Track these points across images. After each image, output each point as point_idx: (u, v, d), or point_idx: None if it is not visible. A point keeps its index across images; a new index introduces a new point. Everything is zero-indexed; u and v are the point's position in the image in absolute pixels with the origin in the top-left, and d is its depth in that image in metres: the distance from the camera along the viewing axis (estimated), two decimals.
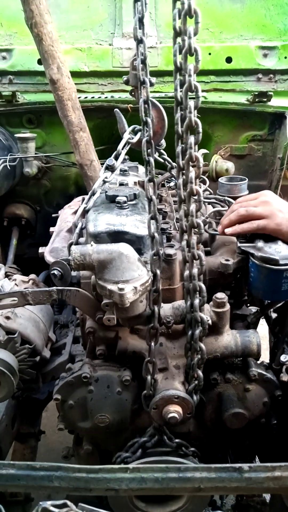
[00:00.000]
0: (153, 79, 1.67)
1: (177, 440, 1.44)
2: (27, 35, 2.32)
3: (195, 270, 1.31)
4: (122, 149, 1.65)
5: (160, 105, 1.71)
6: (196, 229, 1.28)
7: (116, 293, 1.24)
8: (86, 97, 2.56)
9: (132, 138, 1.67)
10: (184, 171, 1.32)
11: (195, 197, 1.26)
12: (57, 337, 1.76)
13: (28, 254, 2.82)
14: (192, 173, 1.25)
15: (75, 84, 2.26)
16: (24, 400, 2.08)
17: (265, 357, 1.73)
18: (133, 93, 1.75)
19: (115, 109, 1.82)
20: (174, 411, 1.34)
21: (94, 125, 2.58)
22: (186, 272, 1.34)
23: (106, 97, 2.58)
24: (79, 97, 2.29)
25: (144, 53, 1.36)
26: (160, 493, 1.24)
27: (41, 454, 2.34)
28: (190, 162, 1.25)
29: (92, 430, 1.49)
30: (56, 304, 1.93)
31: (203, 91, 2.55)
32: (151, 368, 1.37)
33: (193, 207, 1.26)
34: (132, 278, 1.28)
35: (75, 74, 2.36)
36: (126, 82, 1.69)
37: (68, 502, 1.05)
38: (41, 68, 2.34)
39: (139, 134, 1.71)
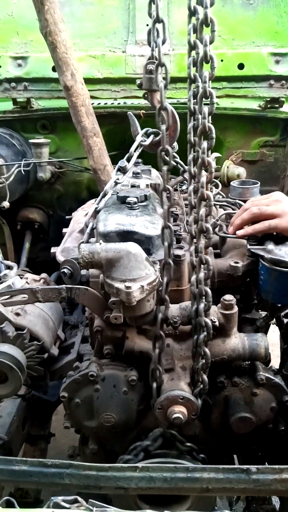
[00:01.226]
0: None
1: (188, 444, 1.43)
2: (42, 43, 2.36)
3: (201, 275, 1.31)
4: (135, 151, 1.67)
5: (172, 108, 1.72)
6: (205, 234, 1.29)
7: (123, 291, 1.25)
8: (99, 103, 2.59)
9: (145, 141, 1.69)
10: (195, 178, 1.33)
11: (206, 202, 1.27)
12: (67, 337, 1.77)
13: (41, 257, 2.84)
14: (204, 177, 1.25)
15: (89, 90, 2.30)
16: (34, 402, 2.10)
17: (275, 364, 1.72)
18: (146, 96, 1.77)
19: (129, 113, 1.84)
20: (179, 411, 1.34)
21: (107, 130, 2.61)
22: (193, 277, 1.34)
23: (119, 103, 2.61)
24: (92, 103, 2.32)
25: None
26: (168, 492, 1.24)
27: (51, 457, 2.34)
28: (202, 167, 1.26)
29: (98, 430, 1.49)
30: (67, 305, 1.95)
31: (216, 97, 2.56)
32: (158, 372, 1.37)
33: (202, 211, 1.27)
34: (140, 277, 1.29)
35: (88, 81, 2.40)
36: (140, 86, 1.71)
37: (79, 498, 1.08)
38: (55, 75, 2.38)
39: (151, 137, 1.73)
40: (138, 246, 1.32)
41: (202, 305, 1.33)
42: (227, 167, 2.63)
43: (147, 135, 1.74)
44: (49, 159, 2.66)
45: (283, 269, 1.44)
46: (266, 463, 1.81)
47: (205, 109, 1.22)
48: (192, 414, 1.37)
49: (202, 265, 1.32)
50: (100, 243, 1.31)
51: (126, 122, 2.11)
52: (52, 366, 1.61)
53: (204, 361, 1.37)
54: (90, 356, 1.58)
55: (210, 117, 1.24)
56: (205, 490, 1.20)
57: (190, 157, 1.46)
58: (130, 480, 1.19)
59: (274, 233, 1.57)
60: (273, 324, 2.18)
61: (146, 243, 1.41)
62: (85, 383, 1.45)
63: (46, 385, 1.59)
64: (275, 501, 1.92)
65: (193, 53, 1.45)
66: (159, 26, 1.35)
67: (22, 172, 2.53)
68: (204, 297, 1.33)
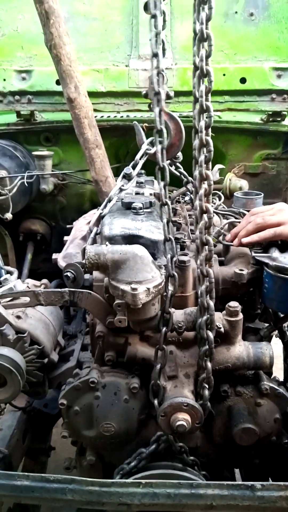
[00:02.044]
0: (171, 93, 1.71)
1: (191, 458, 1.40)
2: (45, 57, 2.40)
3: (203, 287, 1.30)
4: (140, 159, 1.67)
5: (178, 118, 1.74)
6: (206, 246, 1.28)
7: (129, 293, 1.23)
8: (102, 116, 2.62)
9: (150, 150, 1.69)
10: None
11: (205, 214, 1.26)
12: (65, 346, 1.74)
13: (43, 269, 2.84)
14: (202, 190, 1.25)
15: (92, 104, 2.32)
16: (35, 415, 2.06)
17: (279, 377, 1.68)
18: (151, 107, 1.77)
19: (134, 122, 1.85)
20: (183, 419, 1.30)
21: (110, 143, 2.63)
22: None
23: (122, 117, 2.64)
24: (95, 116, 2.34)
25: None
26: (172, 509, 1.21)
27: (51, 471, 2.30)
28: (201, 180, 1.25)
29: (97, 439, 1.45)
30: (65, 315, 1.92)
31: (218, 110, 2.59)
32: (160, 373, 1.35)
33: (202, 223, 1.26)
34: (146, 279, 1.27)
35: (92, 94, 2.43)
36: (145, 96, 1.72)
37: None
38: (59, 88, 2.41)
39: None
40: (144, 248, 1.31)
41: (204, 318, 1.31)
42: (230, 180, 2.64)
43: (152, 144, 1.74)
44: (52, 171, 2.68)
45: (287, 276, 1.43)
46: (270, 478, 1.77)
47: (202, 123, 1.22)
48: (196, 422, 1.33)
49: (204, 277, 1.30)
50: (106, 245, 1.30)
51: (129, 135, 2.13)
52: (51, 373, 1.58)
53: (205, 375, 1.35)
54: (90, 364, 1.55)
55: (209, 130, 1.23)
56: (209, 507, 1.18)
57: (196, 173, 1.47)
58: (133, 496, 1.16)
59: (279, 242, 1.56)
60: (275, 337, 2.16)
61: (151, 247, 1.40)
62: (85, 390, 1.42)
63: (44, 392, 1.56)
64: None
65: (206, 81, 1.47)
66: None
67: (25, 184, 2.54)
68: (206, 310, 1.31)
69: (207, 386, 1.36)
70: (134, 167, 1.66)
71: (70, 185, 2.81)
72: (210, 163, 1.27)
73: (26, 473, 1.20)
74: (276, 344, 2.15)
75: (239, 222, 1.68)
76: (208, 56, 1.21)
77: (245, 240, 1.54)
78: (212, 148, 1.24)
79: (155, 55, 1.25)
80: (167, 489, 1.17)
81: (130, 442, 1.48)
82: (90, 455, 1.52)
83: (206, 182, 1.25)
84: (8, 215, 2.52)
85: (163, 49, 1.60)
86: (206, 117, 1.23)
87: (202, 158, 1.24)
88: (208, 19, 1.18)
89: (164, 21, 1.49)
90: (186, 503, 1.17)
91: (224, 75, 2.57)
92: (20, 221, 2.87)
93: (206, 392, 1.36)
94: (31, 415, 2.07)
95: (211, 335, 1.32)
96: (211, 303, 1.31)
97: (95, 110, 2.44)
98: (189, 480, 1.31)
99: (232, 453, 1.51)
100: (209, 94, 1.23)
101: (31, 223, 2.90)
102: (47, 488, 1.17)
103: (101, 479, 1.19)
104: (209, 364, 1.33)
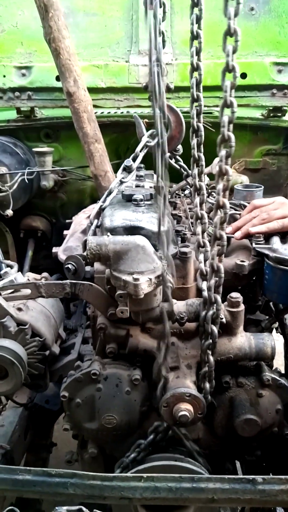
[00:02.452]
0: (171, 85, 1.71)
1: (196, 448, 1.40)
2: (45, 53, 2.40)
3: (212, 282, 1.29)
4: (140, 151, 1.67)
5: (178, 110, 1.73)
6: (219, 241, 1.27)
7: (131, 283, 1.23)
8: (102, 112, 2.61)
9: (150, 142, 1.69)
10: (199, 192, 1.41)
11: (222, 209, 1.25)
12: (66, 340, 1.74)
13: (44, 265, 2.83)
14: (220, 185, 1.24)
15: (92, 99, 2.31)
16: (36, 412, 2.06)
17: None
18: (151, 99, 1.77)
19: (134, 115, 1.85)
20: (185, 409, 1.30)
21: (110, 139, 2.63)
22: (204, 284, 1.33)
23: (122, 112, 2.63)
24: (95, 112, 2.34)
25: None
26: (173, 503, 1.21)
27: (52, 467, 2.27)
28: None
29: (99, 432, 1.45)
30: (65, 310, 1.92)
31: (218, 106, 2.58)
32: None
33: (218, 218, 1.25)
34: (147, 269, 1.27)
35: (92, 90, 2.43)
36: (145, 88, 1.72)
37: (83, 508, 1.08)
38: (58, 84, 2.41)
39: (157, 138, 1.73)
40: (146, 239, 1.31)
41: (210, 312, 1.31)
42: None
43: (152, 136, 1.74)
44: (53, 167, 2.67)
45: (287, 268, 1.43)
46: (271, 473, 1.77)
47: (225, 118, 1.20)
48: (198, 412, 1.33)
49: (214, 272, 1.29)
50: (108, 235, 1.30)
51: (129, 131, 2.12)
52: (53, 366, 1.58)
53: (207, 368, 1.34)
54: (91, 357, 1.55)
55: (231, 125, 1.21)
56: (211, 500, 1.17)
57: (195, 171, 1.48)
58: (134, 490, 1.16)
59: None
60: (276, 332, 2.15)
61: (153, 238, 1.39)
62: (87, 382, 1.42)
63: (46, 385, 1.56)
64: None
65: (196, 74, 1.48)
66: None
67: (26, 180, 2.54)
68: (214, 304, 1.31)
69: (208, 379, 1.36)
70: (134, 160, 1.65)
71: (71, 181, 2.81)
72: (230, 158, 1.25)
73: (27, 468, 1.20)
74: (277, 340, 2.15)
75: (239, 215, 1.68)
76: (234, 51, 1.19)
77: (253, 229, 1.55)
78: (233, 144, 1.22)
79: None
80: (169, 483, 1.16)
81: (132, 434, 1.48)
82: (91, 448, 1.52)
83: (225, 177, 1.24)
84: (9, 212, 2.51)
85: (163, 41, 1.61)
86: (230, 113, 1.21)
87: (223, 153, 1.22)
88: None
89: (164, 12, 1.50)
90: (187, 496, 1.17)
91: None
92: (21, 217, 2.86)
93: (207, 386, 1.36)
94: (33, 411, 2.07)
95: (215, 329, 1.32)
96: (219, 298, 1.30)
97: (95, 106, 2.44)
98: (190, 471, 1.31)
99: (234, 444, 1.51)
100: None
101: (31, 220, 2.90)
102: (49, 482, 1.17)
103: (102, 473, 1.19)
104: (211, 358, 1.33)
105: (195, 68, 1.47)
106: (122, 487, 1.16)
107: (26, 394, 2.09)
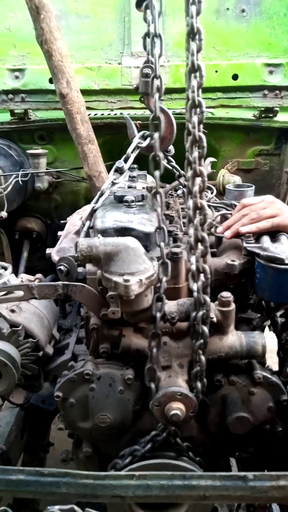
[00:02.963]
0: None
1: (186, 444, 1.41)
2: (38, 56, 2.42)
3: (199, 283, 1.31)
4: (132, 152, 1.69)
5: (168, 111, 1.75)
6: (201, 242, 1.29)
7: (121, 285, 1.24)
8: (96, 114, 2.63)
9: (142, 143, 1.71)
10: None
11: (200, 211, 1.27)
12: (61, 340, 1.75)
13: (39, 266, 2.84)
14: (196, 187, 1.25)
15: (85, 101, 2.34)
16: (33, 412, 2.07)
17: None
18: (142, 100, 1.79)
19: (125, 115, 1.87)
20: (177, 408, 1.31)
21: (104, 141, 2.65)
22: (194, 285, 1.33)
23: (115, 114, 2.65)
24: (89, 114, 2.35)
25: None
26: (165, 500, 1.23)
27: (50, 466, 2.29)
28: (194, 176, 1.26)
29: (93, 431, 1.46)
30: (61, 310, 1.94)
31: (210, 107, 2.61)
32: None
33: (197, 220, 1.27)
34: (138, 271, 1.28)
35: (85, 92, 2.44)
36: (136, 89, 1.74)
37: (75, 507, 1.09)
38: (52, 86, 2.42)
39: (148, 139, 1.75)
40: (136, 240, 1.33)
41: (200, 313, 1.32)
42: (223, 176, 2.66)
43: (144, 137, 1.75)
44: (47, 169, 2.69)
45: (278, 266, 1.44)
46: (266, 470, 1.79)
47: (195, 118, 1.22)
48: (190, 411, 1.34)
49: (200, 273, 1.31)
50: (99, 237, 1.32)
51: (123, 133, 2.14)
52: (47, 366, 1.59)
53: (198, 368, 1.36)
54: (85, 357, 1.56)
55: (201, 126, 1.23)
56: (202, 497, 1.19)
57: (189, 173, 1.49)
58: (127, 488, 1.17)
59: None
60: (269, 330, 2.17)
61: (144, 239, 1.41)
62: (80, 382, 1.43)
63: (40, 385, 1.57)
64: (276, 509, 1.88)
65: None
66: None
67: (20, 182, 2.56)
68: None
69: (199, 379, 1.38)
70: (126, 161, 1.67)
71: (65, 183, 2.83)
72: (203, 159, 1.28)
73: (20, 468, 1.21)
74: (272, 338, 2.17)
75: (231, 214, 1.70)
76: (199, 50, 1.21)
77: (243, 229, 1.56)
78: (205, 145, 1.24)
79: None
80: (161, 480, 1.17)
81: (125, 433, 1.49)
82: (86, 447, 1.53)
83: (200, 178, 1.26)
84: (3, 214, 2.53)
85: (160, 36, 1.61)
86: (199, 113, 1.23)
87: (195, 154, 1.24)
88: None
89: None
90: (179, 494, 1.18)
91: (216, 71, 2.58)
92: (16, 219, 2.88)
93: (199, 385, 1.38)
94: (29, 411, 2.08)
95: (206, 329, 1.33)
96: (208, 298, 1.31)
97: (88, 108, 2.46)
98: (183, 469, 1.33)
99: (227, 442, 1.53)
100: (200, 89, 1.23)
101: (26, 221, 2.92)
102: (42, 482, 1.17)
103: (95, 472, 1.20)
104: (203, 358, 1.35)
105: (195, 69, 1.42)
106: (114, 485, 1.17)
107: (22, 394, 2.10)
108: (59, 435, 2.14)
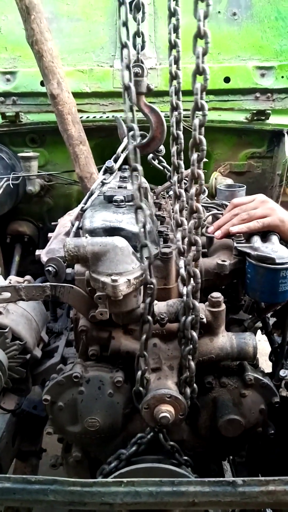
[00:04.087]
0: (152, 85, 1.71)
1: (171, 443, 1.38)
2: (30, 59, 2.40)
3: (189, 288, 1.29)
4: (122, 152, 1.67)
5: (159, 110, 1.74)
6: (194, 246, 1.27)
7: (109, 285, 1.22)
8: (87, 117, 2.61)
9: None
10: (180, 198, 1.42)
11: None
12: (51, 343, 1.73)
13: (31, 270, 2.81)
14: (193, 189, 1.24)
15: (77, 104, 2.32)
16: (25, 417, 2.04)
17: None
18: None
19: (115, 116, 1.85)
20: (166, 410, 1.30)
21: (96, 144, 2.63)
22: (183, 289, 1.32)
23: (108, 117, 2.64)
24: (80, 117, 2.34)
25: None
26: (154, 507, 1.21)
27: (43, 473, 2.27)
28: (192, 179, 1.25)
29: (82, 435, 1.44)
30: (51, 313, 1.91)
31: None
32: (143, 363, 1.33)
33: (191, 223, 1.25)
34: (126, 271, 1.27)
35: (77, 95, 2.42)
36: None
37: None
38: (43, 89, 2.41)
39: (138, 139, 1.73)
40: (124, 240, 1.31)
41: (189, 318, 1.30)
42: (215, 179, 2.65)
43: (134, 137, 1.73)
44: (38, 172, 2.67)
45: (269, 265, 1.43)
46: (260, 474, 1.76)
47: (196, 121, 1.21)
48: (179, 414, 1.32)
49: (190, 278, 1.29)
50: (86, 237, 1.30)
51: (115, 136, 2.12)
52: (35, 369, 1.57)
53: (188, 374, 1.34)
54: (74, 360, 1.54)
55: (202, 128, 1.22)
56: (192, 504, 1.17)
57: (174, 178, 1.49)
58: (115, 495, 1.15)
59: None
60: (262, 333, 2.15)
61: (133, 239, 1.39)
62: (69, 385, 1.41)
63: (28, 389, 1.54)
64: None
65: (174, 82, 1.49)
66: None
67: (11, 185, 2.54)
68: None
69: (188, 385, 1.36)
70: (116, 161, 1.65)
71: (57, 186, 2.80)
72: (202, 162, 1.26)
73: (7, 475, 1.18)
74: (266, 341, 2.15)
75: (222, 214, 1.68)
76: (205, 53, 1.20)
77: (233, 229, 1.55)
78: (205, 148, 1.23)
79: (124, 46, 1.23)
80: (149, 487, 1.16)
81: (115, 437, 1.47)
82: (75, 452, 1.51)
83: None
84: None
85: (143, 41, 1.61)
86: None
87: (194, 157, 1.23)
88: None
89: (143, 13, 1.51)
90: (168, 500, 1.16)
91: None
92: (7, 223, 2.85)
93: (188, 391, 1.36)
94: (21, 417, 2.05)
95: (195, 335, 1.31)
96: (197, 304, 1.30)
97: (80, 111, 2.44)
98: (173, 473, 1.30)
99: (218, 445, 1.50)
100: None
101: (18, 225, 2.90)
102: (29, 490, 1.15)
103: (82, 479, 1.17)
104: (192, 364, 1.33)
105: (174, 77, 1.47)
106: (103, 492, 1.15)
107: (13, 400, 2.07)
108: (53, 441, 2.11)
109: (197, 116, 1.20)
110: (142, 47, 1.65)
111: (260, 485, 1.15)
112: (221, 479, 1.18)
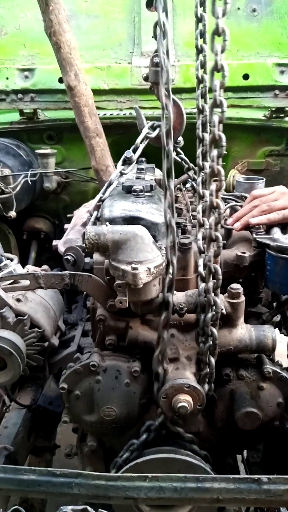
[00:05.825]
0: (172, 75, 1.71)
1: (189, 435, 1.37)
2: (48, 55, 2.42)
3: (210, 284, 1.27)
4: (141, 143, 1.67)
5: (179, 101, 1.74)
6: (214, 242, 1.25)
7: (129, 273, 1.21)
8: (105, 114, 2.62)
9: (151, 133, 1.69)
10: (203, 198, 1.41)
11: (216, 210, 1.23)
12: (66, 333, 1.72)
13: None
14: (214, 185, 1.22)
15: (95, 101, 2.32)
16: (40, 413, 2.04)
17: None
18: (152, 89, 1.78)
19: (135, 106, 1.86)
20: (185, 400, 1.28)
21: (113, 141, 2.64)
22: (202, 285, 1.31)
23: (125, 114, 2.65)
24: (98, 114, 2.34)
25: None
26: (178, 503, 1.21)
27: (55, 468, 2.27)
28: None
29: (98, 424, 1.43)
30: (66, 304, 1.91)
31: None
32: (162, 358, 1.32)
33: (212, 220, 1.23)
34: (146, 259, 1.26)
35: (95, 92, 2.43)
36: (146, 79, 1.73)
37: (88, 508, 1.07)
38: (61, 86, 2.43)
39: (157, 130, 1.73)
40: (145, 229, 1.30)
41: (209, 315, 1.29)
42: (233, 177, 2.63)
43: (153, 128, 1.74)
44: (55, 169, 2.69)
45: None
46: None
47: (215, 117, 1.20)
48: (197, 404, 1.31)
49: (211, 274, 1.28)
50: (107, 225, 1.29)
51: (132, 132, 2.12)
52: (52, 358, 1.57)
53: (208, 370, 1.33)
54: (91, 349, 1.53)
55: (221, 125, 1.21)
56: (216, 500, 1.16)
57: (199, 179, 1.49)
58: (139, 490, 1.15)
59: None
60: (280, 333, 2.12)
61: (152, 229, 1.38)
62: (86, 374, 1.41)
63: (45, 377, 1.54)
64: None
65: (201, 85, 1.51)
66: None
67: (29, 182, 2.56)
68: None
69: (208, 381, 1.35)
70: (134, 151, 1.65)
71: (73, 183, 2.82)
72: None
73: (32, 468, 1.19)
74: (280, 342, 2.11)
75: (241, 206, 1.67)
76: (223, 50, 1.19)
77: (253, 220, 1.53)
78: (224, 144, 1.22)
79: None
80: (173, 483, 1.15)
81: (131, 427, 1.45)
82: (91, 441, 1.50)
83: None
84: (12, 213, 2.52)
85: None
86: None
87: (214, 153, 1.21)
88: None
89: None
90: (192, 496, 1.16)
91: None
92: (24, 219, 2.87)
93: (206, 387, 1.35)
94: (36, 413, 2.05)
95: (215, 331, 1.30)
96: (218, 300, 1.28)
97: (97, 108, 2.45)
98: (191, 465, 1.29)
99: (235, 438, 1.49)
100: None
101: (34, 222, 2.92)
102: (54, 482, 1.16)
103: (107, 473, 1.18)
104: (212, 360, 1.32)
105: (200, 81, 1.49)
106: (127, 487, 1.15)
107: (29, 395, 2.07)
108: (66, 438, 2.11)
109: (215, 114, 1.19)
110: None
111: (285, 483, 1.14)
112: (246, 476, 1.18)
